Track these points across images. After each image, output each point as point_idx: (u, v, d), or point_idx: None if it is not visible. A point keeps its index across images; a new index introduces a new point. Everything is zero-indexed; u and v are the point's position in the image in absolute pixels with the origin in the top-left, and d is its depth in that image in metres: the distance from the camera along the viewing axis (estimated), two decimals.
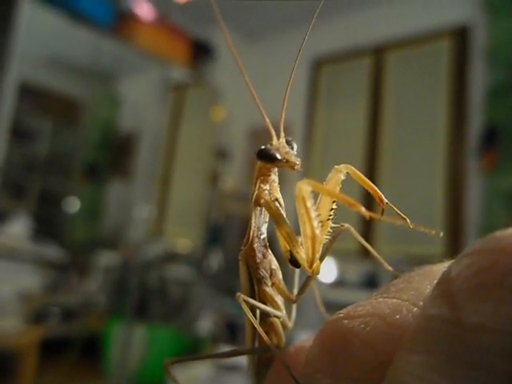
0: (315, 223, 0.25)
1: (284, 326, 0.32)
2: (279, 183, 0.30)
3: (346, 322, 0.19)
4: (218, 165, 4.28)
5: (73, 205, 4.62)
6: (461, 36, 3.27)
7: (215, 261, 3.58)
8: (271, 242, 0.31)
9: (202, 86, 4.53)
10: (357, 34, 3.79)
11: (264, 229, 0.31)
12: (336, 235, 0.29)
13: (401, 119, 3.49)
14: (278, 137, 0.29)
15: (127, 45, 3.83)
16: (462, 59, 3.24)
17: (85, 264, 4.02)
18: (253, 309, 0.30)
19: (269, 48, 4.39)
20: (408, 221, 0.26)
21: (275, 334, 0.31)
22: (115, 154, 4.89)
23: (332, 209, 0.28)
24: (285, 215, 0.29)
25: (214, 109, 4.37)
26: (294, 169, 0.28)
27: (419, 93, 3.43)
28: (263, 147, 0.28)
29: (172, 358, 0.30)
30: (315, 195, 0.26)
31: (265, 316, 0.31)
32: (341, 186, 0.28)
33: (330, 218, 0.28)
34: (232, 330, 2.94)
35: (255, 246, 0.30)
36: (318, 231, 0.25)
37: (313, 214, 0.24)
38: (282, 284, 0.31)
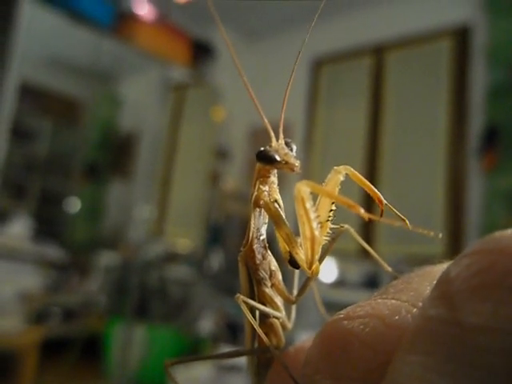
0: (314, 224, 0.25)
1: (283, 326, 0.32)
2: (279, 184, 0.30)
3: (345, 322, 0.19)
4: (219, 165, 4.28)
5: (73, 205, 4.62)
6: (461, 36, 3.27)
7: (215, 261, 3.58)
8: (271, 243, 0.31)
9: (202, 86, 4.53)
10: (357, 33, 3.79)
11: (263, 230, 0.31)
12: (335, 236, 0.29)
13: (401, 119, 3.48)
14: (278, 138, 0.29)
15: (127, 45, 3.83)
16: (463, 59, 3.24)
17: (85, 264, 4.02)
18: (252, 310, 0.30)
19: (269, 48, 4.39)
20: (407, 222, 0.26)
21: (275, 335, 0.32)
22: (115, 154, 4.89)
23: (331, 210, 0.28)
24: (284, 216, 0.29)
25: (214, 109, 4.37)
26: (293, 170, 0.28)
27: (419, 93, 3.43)
28: (262, 149, 0.28)
29: (172, 358, 0.30)
30: (314, 196, 0.26)
31: (264, 317, 0.31)
32: (340, 187, 0.28)
33: (330, 219, 0.28)
34: (233, 330, 2.94)
35: (255, 247, 0.30)
36: (317, 232, 0.25)
37: (312, 215, 0.24)
38: (282, 285, 0.31)
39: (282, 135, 0.29)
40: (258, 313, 0.31)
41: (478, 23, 3.17)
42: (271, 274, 0.31)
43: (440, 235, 0.22)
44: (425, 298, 0.17)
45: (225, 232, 3.93)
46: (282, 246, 0.29)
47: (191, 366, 1.97)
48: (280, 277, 0.31)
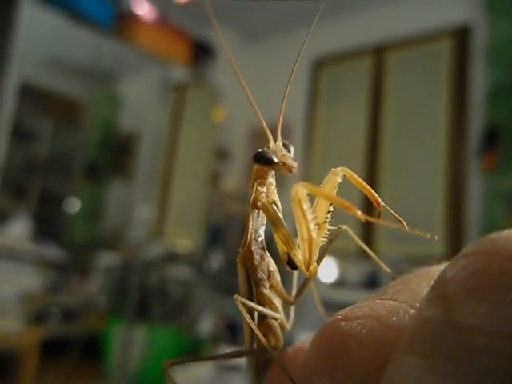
0: (312, 226, 0.25)
1: (282, 327, 0.32)
2: (277, 186, 0.31)
3: (343, 323, 0.19)
4: (219, 165, 4.28)
5: (73, 205, 4.62)
6: (461, 36, 3.27)
7: (216, 261, 3.58)
8: (269, 244, 0.31)
9: (202, 87, 4.53)
10: (357, 34, 3.79)
11: (262, 231, 0.31)
12: (333, 237, 0.29)
13: (401, 119, 3.48)
14: (275, 140, 0.29)
15: (127, 45, 3.83)
16: (463, 59, 3.24)
17: (85, 264, 4.02)
18: (251, 310, 0.30)
19: (269, 48, 4.39)
20: (404, 224, 0.26)
21: (273, 336, 0.32)
22: (115, 155, 4.90)
23: (329, 211, 0.28)
24: (282, 218, 0.29)
25: (214, 109, 4.37)
26: (290, 172, 0.28)
27: (420, 93, 3.43)
28: (260, 150, 0.28)
29: (171, 359, 0.30)
30: (312, 198, 0.26)
31: (263, 318, 0.31)
32: (338, 188, 0.28)
33: (327, 220, 0.28)
34: (232, 331, 2.94)
35: (253, 248, 0.30)
36: (314, 234, 0.25)
37: (309, 217, 0.25)
38: (280, 286, 0.31)
39: (279, 137, 0.29)
40: (256, 314, 0.31)
41: (478, 23, 3.17)
42: (270, 275, 0.31)
43: (436, 237, 0.22)
44: (422, 299, 0.17)
45: (225, 232, 3.93)
46: (280, 247, 0.29)
47: (192, 366, 1.97)
48: (278, 278, 0.31)
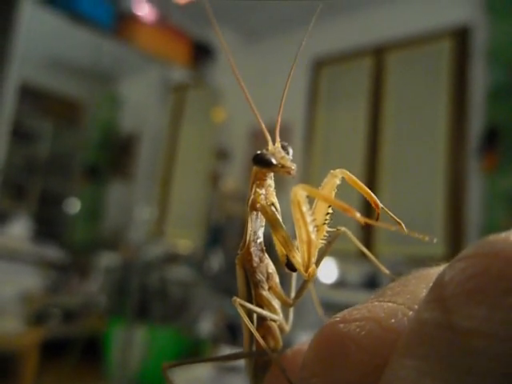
0: (310, 228, 0.25)
1: (281, 329, 0.32)
2: (276, 187, 0.31)
3: (341, 325, 0.19)
4: (219, 165, 4.28)
5: (73, 206, 4.63)
6: (461, 37, 3.27)
7: (216, 262, 3.58)
8: (268, 246, 0.31)
9: (202, 87, 4.53)
10: (357, 34, 3.79)
11: (260, 233, 0.31)
12: (332, 239, 0.29)
13: (401, 120, 3.48)
14: (274, 141, 0.29)
15: (128, 46, 3.83)
16: (463, 60, 3.24)
17: (85, 265, 4.02)
18: (250, 312, 0.30)
19: (269, 48, 4.39)
20: (403, 226, 0.26)
21: (272, 338, 0.32)
22: (116, 155, 4.90)
23: (328, 213, 0.28)
24: (281, 220, 0.29)
25: (214, 109, 4.37)
26: (289, 174, 0.28)
27: (420, 93, 3.43)
28: (259, 152, 0.28)
29: (170, 361, 0.30)
30: (311, 199, 0.26)
31: (262, 320, 0.31)
32: (336, 190, 0.28)
33: (326, 222, 0.28)
34: (233, 331, 2.94)
35: (252, 250, 0.30)
36: (313, 236, 0.25)
37: (308, 219, 0.25)
38: (279, 288, 0.31)
39: (278, 138, 0.29)
40: (255, 316, 0.31)
41: (478, 24, 3.17)
42: (268, 277, 0.31)
43: (435, 240, 0.22)
44: (420, 301, 0.17)
45: (225, 233, 3.93)
46: (279, 249, 0.29)
47: (192, 367, 1.97)
48: (277, 279, 0.31)
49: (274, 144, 0.29)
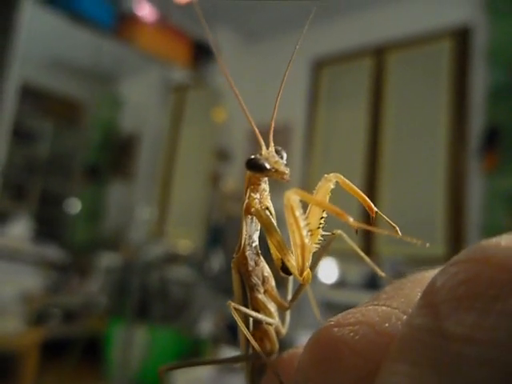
0: (304, 232, 0.25)
1: (277, 332, 0.32)
2: (270, 191, 0.31)
3: (335, 329, 0.19)
4: (219, 166, 4.28)
5: (74, 206, 4.62)
6: (462, 37, 3.27)
7: (216, 262, 3.57)
8: (263, 250, 0.31)
9: (202, 87, 4.53)
10: (358, 34, 3.79)
11: (255, 237, 0.31)
12: (328, 243, 0.29)
13: (402, 120, 3.48)
14: (268, 146, 0.29)
15: (128, 46, 3.83)
16: (463, 60, 3.24)
17: (86, 265, 4.02)
18: (246, 316, 0.30)
19: (269, 49, 4.39)
20: (398, 230, 0.26)
21: (268, 341, 0.32)
22: (116, 155, 4.90)
23: (322, 217, 0.28)
24: (275, 224, 0.29)
25: (214, 110, 4.37)
26: (283, 178, 0.28)
27: (420, 93, 3.43)
28: (252, 157, 0.28)
29: (167, 364, 0.30)
30: (306, 204, 0.26)
31: (258, 323, 0.31)
32: (330, 194, 0.28)
33: (320, 226, 0.28)
34: (233, 332, 2.94)
35: (247, 253, 0.30)
36: (307, 240, 0.25)
37: (302, 223, 0.24)
38: (275, 291, 0.31)
39: (272, 143, 0.29)
40: (251, 319, 0.31)
41: (478, 24, 3.16)
42: (264, 280, 0.31)
43: (427, 245, 0.22)
44: (413, 306, 0.17)
45: (225, 233, 3.92)
46: (274, 253, 0.29)
47: (192, 367, 1.97)
48: (273, 283, 0.31)
49: (267, 148, 0.29)
